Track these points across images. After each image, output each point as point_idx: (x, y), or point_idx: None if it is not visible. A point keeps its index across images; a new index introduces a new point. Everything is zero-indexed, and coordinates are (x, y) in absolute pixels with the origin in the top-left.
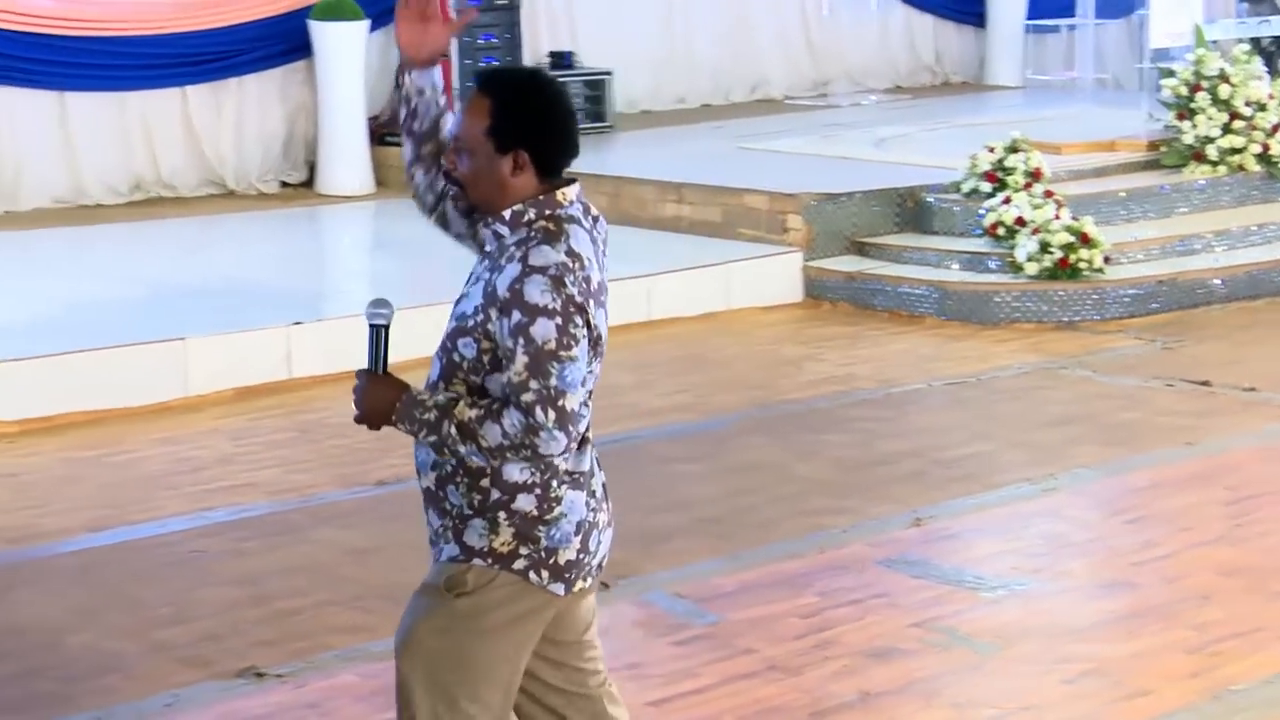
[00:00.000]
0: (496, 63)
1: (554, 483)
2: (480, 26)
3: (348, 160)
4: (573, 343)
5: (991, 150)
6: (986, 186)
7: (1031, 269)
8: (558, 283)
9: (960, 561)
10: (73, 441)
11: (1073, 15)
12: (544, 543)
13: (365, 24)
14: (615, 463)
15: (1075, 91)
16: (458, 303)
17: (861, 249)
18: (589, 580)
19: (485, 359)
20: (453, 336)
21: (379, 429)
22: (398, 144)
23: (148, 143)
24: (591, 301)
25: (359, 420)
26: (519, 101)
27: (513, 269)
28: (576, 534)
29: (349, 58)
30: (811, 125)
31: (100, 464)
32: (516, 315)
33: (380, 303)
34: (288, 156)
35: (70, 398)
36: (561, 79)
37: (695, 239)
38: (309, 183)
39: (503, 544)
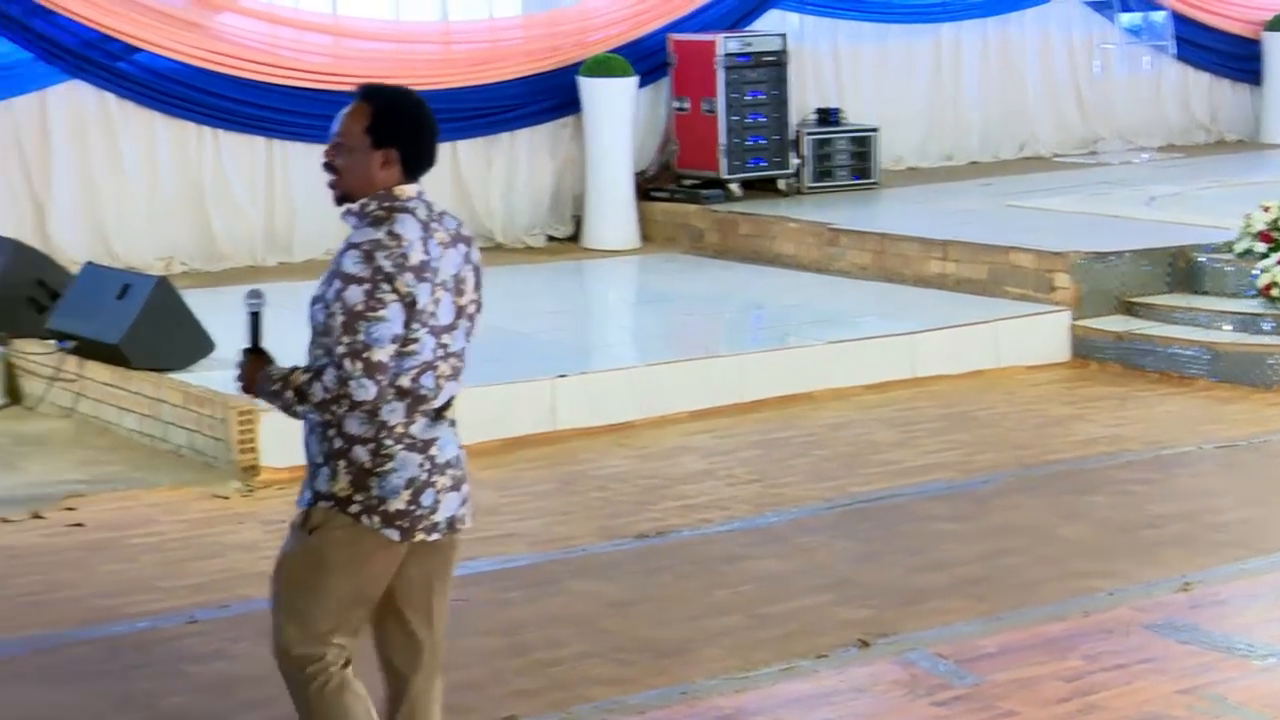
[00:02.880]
0: (764, 118)
1: (387, 440)
2: (748, 83)
3: (614, 215)
4: (379, 305)
5: (1266, 209)
6: (1261, 247)
7: None
8: (369, 256)
9: (1230, 628)
10: None
11: None
12: (375, 492)
13: (634, 80)
14: (876, 520)
15: None
16: None
17: (1130, 309)
18: (434, 534)
19: (330, 322)
20: (311, 305)
21: (250, 394)
22: (664, 199)
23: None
24: (410, 274)
25: (241, 388)
26: (394, 109)
27: (341, 247)
28: (406, 488)
29: (617, 113)
30: (1081, 183)
31: None
32: (337, 284)
33: (255, 293)
34: (555, 211)
35: None
36: (828, 135)
37: (960, 297)
38: (575, 237)
39: (341, 489)
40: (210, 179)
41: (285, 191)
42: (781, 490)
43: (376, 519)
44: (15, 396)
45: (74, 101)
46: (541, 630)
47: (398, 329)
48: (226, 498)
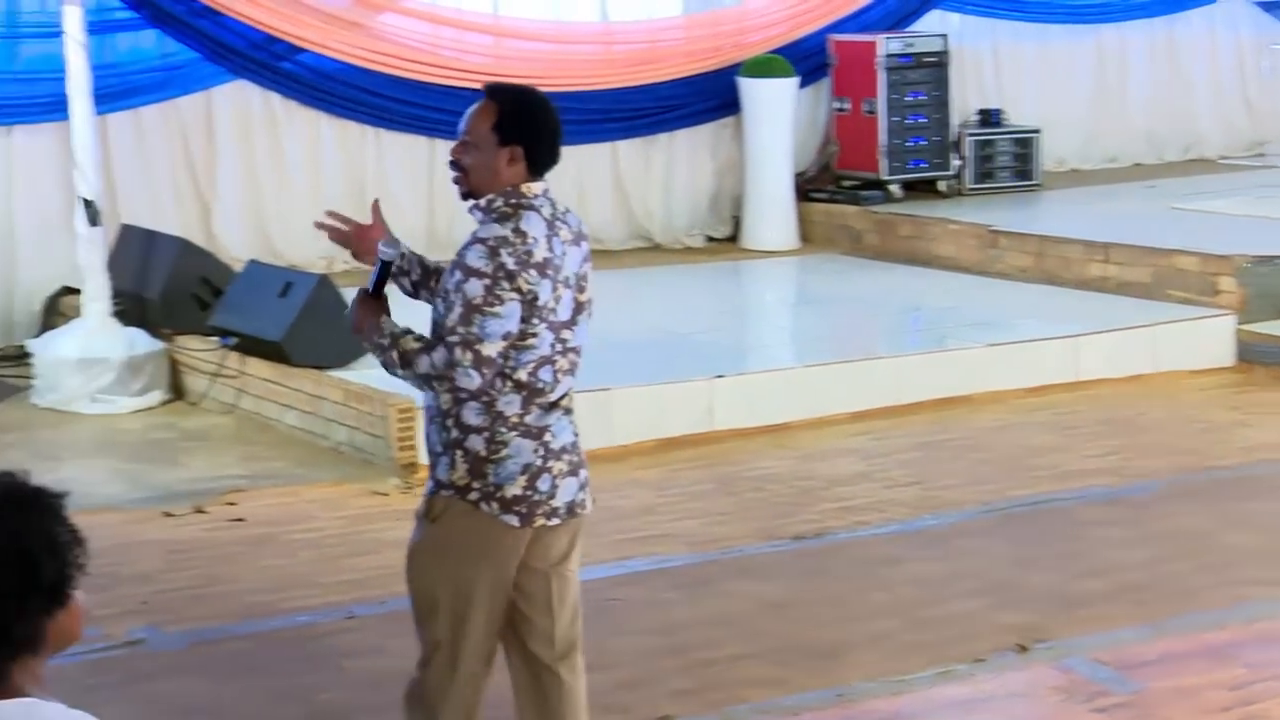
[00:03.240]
0: (925, 119)
1: (502, 429)
2: (909, 84)
3: (773, 216)
4: (497, 301)
5: None
6: None
7: None
8: (493, 252)
9: None
10: None
11: None
12: (491, 478)
13: (794, 81)
14: (1035, 525)
15: None
16: None
17: None
18: (554, 519)
19: (448, 310)
20: (434, 299)
21: (358, 336)
22: (823, 200)
23: (578, 196)
24: (533, 271)
25: (350, 327)
26: (519, 107)
27: (467, 240)
28: (522, 474)
29: (778, 114)
30: (1247, 185)
31: None
32: (458, 275)
33: (392, 241)
34: (714, 211)
35: None
36: (989, 136)
37: (1122, 300)
38: (734, 238)
39: (459, 477)
40: (372, 178)
41: (445, 191)
42: (940, 493)
43: (495, 505)
44: (179, 392)
45: (239, 101)
46: (698, 631)
47: (511, 326)
48: (385, 494)
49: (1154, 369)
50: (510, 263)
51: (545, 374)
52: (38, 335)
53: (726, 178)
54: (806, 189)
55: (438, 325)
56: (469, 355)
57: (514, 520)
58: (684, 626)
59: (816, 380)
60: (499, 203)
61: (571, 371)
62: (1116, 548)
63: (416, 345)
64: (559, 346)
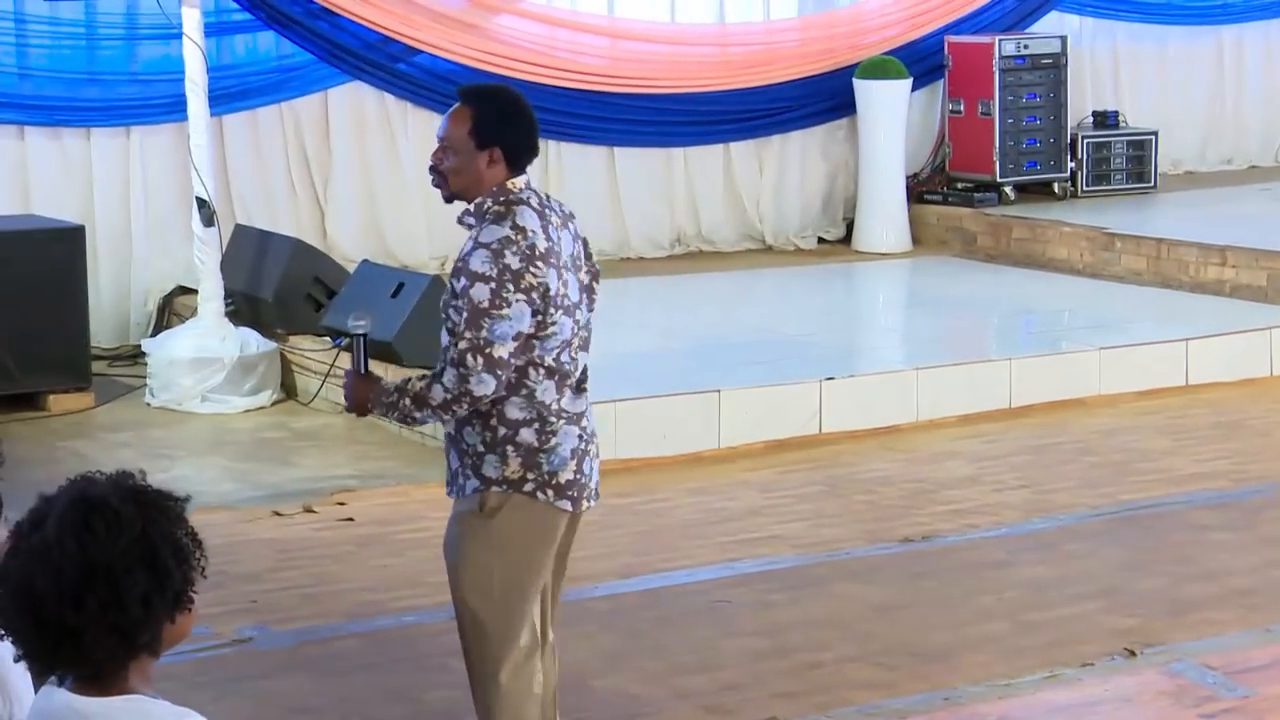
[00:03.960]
0: (1040, 121)
1: (550, 418)
2: (1024, 85)
3: (886, 218)
4: (504, 304)
5: None
6: None
7: None
8: (497, 254)
9: None
10: (607, 489)
11: None
12: (545, 467)
13: (908, 83)
14: (1146, 529)
15: None
16: None
17: None
18: (591, 501)
19: (455, 317)
20: (443, 309)
21: (364, 416)
22: (936, 202)
23: (690, 197)
24: (539, 263)
25: (349, 410)
26: (493, 109)
27: (468, 246)
28: (572, 458)
29: (892, 116)
30: None
31: (633, 511)
32: (463, 281)
33: (360, 314)
34: (826, 213)
35: (607, 445)
36: (1104, 138)
37: (1237, 303)
38: (846, 239)
39: (513, 472)
40: None
41: (559, 192)
42: (1049, 496)
43: (550, 493)
44: (290, 392)
45: (354, 102)
46: (804, 633)
47: (521, 327)
48: None
49: (1269, 373)
50: (515, 262)
51: (566, 357)
52: (152, 334)
53: (839, 179)
54: (919, 191)
55: (451, 332)
56: (479, 360)
57: (567, 505)
58: (790, 629)
59: (927, 383)
60: (489, 204)
61: (584, 347)
62: (1227, 552)
63: (422, 383)
64: (575, 328)
